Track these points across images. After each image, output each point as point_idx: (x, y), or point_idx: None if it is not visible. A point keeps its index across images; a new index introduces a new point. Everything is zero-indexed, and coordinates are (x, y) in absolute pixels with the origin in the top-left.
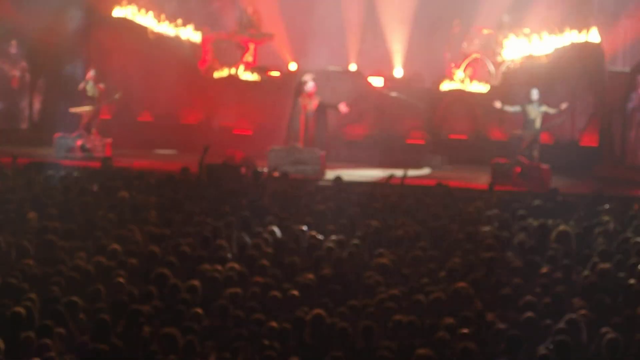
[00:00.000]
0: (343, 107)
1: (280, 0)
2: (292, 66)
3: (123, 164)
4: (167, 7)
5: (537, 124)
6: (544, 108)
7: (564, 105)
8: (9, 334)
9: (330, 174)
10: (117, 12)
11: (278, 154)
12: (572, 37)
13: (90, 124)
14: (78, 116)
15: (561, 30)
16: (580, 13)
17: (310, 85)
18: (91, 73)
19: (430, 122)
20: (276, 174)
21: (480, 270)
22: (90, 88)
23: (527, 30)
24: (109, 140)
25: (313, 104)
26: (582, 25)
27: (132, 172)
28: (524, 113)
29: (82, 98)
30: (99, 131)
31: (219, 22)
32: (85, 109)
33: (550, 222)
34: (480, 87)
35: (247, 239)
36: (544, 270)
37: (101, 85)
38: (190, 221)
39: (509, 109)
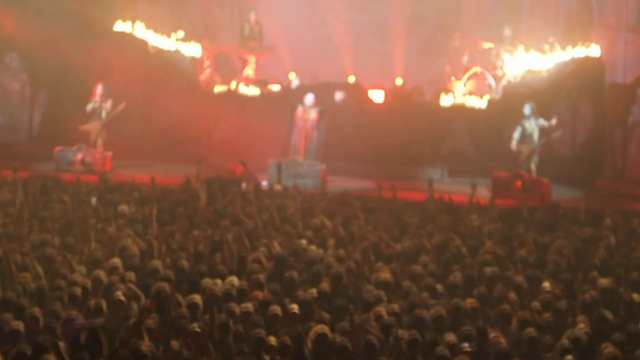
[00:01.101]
0: (338, 95)
1: (281, 12)
2: (292, 75)
3: (123, 177)
4: (167, 21)
5: (535, 137)
6: (540, 121)
7: (554, 121)
8: (8, 349)
9: (331, 188)
10: (118, 26)
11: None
12: (572, 51)
13: (97, 139)
14: (79, 129)
15: (561, 44)
16: (580, 26)
17: (309, 97)
18: (99, 90)
19: (431, 135)
20: (277, 187)
21: (481, 286)
22: (98, 106)
23: (521, 47)
24: (110, 153)
25: (313, 115)
26: (582, 38)
27: (132, 186)
28: (522, 128)
29: (89, 113)
30: (105, 145)
31: (219, 35)
32: (94, 125)
33: (550, 236)
34: (480, 101)
35: (247, 254)
36: (545, 285)
37: (109, 103)
38: (189, 235)
39: (516, 136)
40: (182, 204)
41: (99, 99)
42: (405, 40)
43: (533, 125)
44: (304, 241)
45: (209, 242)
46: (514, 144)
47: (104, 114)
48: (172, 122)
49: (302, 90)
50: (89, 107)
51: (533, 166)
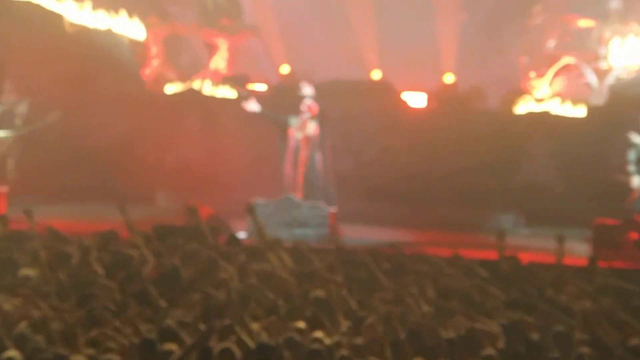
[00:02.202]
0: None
1: None
2: (284, 69)
3: (27, 224)
4: None
5: None
6: None
7: None
8: None
9: (345, 242)
10: None
11: (265, 211)
12: None
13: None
14: None
15: None
16: None
17: (308, 103)
18: (7, 87)
19: (498, 161)
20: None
21: None
22: (8, 109)
23: (636, 28)
24: (4, 188)
25: (314, 130)
26: None
27: (40, 238)
28: (637, 150)
29: None
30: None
31: (174, 11)
32: (3, 134)
33: None
34: (574, 109)
35: (215, 343)
36: None
37: (23, 106)
38: (127, 316)
39: (633, 163)
40: (112, 268)
41: (10, 100)
42: (458, 18)
43: None
44: (301, 324)
45: (153, 328)
46: (636, 180)
47: (17, 121)
48: (103, 138)
49: (294, 93)
50: None
51: None
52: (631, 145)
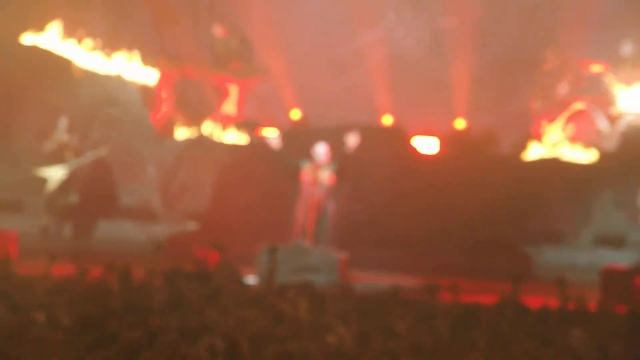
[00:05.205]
0: (352, 140)
1: (284, 24)
2: (296, 114)
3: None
4: (103, 32)
5: None
6: None
7: None
8: None
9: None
10: (27, 38)
11: (274, 257)
12: None
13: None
14: None
15: None
16: None
17: (321, 149)
18: (62, 123)
19: (510, 209)
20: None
21: None
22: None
23: None
24: (14, 233)
25: (327, 177)
26: None
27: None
28: None
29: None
30: None
31: (182, 53)
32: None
33: None
34: (586, 155)
35: None
36: None
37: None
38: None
39: None
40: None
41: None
42: (469, 62)
43: None
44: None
45: None
46: None
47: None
48: (110, 181)
49: (307, 137)
50: (48, 145)
51: None
52: None
